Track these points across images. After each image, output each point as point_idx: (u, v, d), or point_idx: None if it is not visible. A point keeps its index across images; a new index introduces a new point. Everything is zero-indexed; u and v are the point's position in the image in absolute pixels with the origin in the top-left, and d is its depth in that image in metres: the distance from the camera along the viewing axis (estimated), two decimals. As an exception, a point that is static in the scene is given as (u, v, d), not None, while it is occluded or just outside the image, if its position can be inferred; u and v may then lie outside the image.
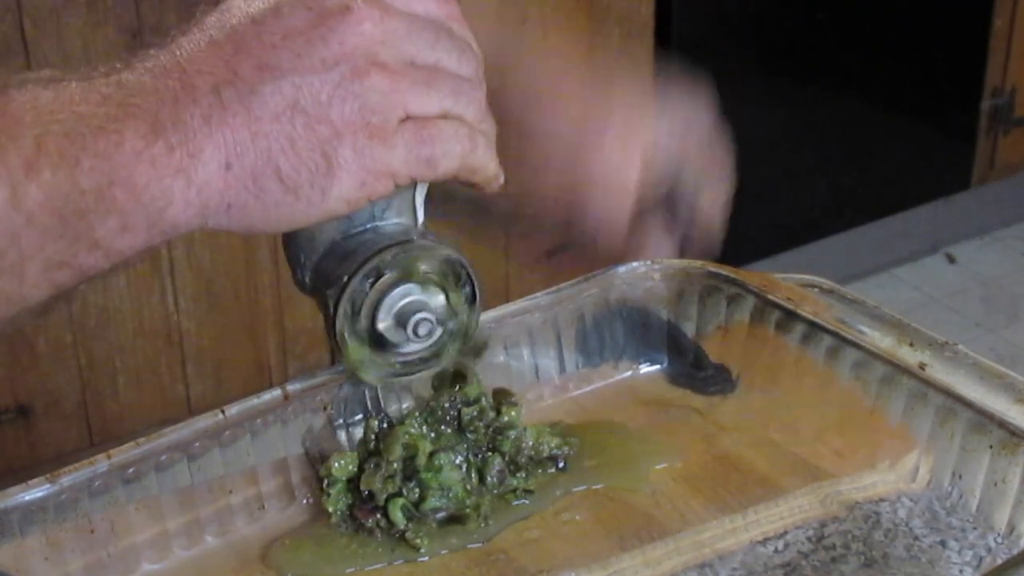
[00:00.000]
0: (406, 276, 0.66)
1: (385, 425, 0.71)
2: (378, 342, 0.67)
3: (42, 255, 0.53)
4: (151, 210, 0.54)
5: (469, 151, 0.60)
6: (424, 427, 0.71)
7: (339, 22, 0.56)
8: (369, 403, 0.73)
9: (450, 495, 0.70)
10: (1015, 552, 0.66)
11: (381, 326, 0.66)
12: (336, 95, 0.56)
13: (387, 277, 0.66)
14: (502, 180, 0.63)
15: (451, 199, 0.76)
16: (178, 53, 0.56)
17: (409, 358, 0.68)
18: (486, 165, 0.62)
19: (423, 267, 0.66)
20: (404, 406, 0.72)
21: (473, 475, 0.71)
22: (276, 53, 0.55)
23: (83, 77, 0.54)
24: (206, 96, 0.54)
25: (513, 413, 0.73)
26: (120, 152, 0.53)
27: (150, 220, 0.55)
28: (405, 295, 0.66)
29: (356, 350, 0.67)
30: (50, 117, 0.53)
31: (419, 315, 0.66)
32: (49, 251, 0.53)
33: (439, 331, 0.67)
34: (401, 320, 0.66)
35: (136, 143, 0.53)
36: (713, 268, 0.81)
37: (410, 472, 0.70)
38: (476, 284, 0.68)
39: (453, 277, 0.67)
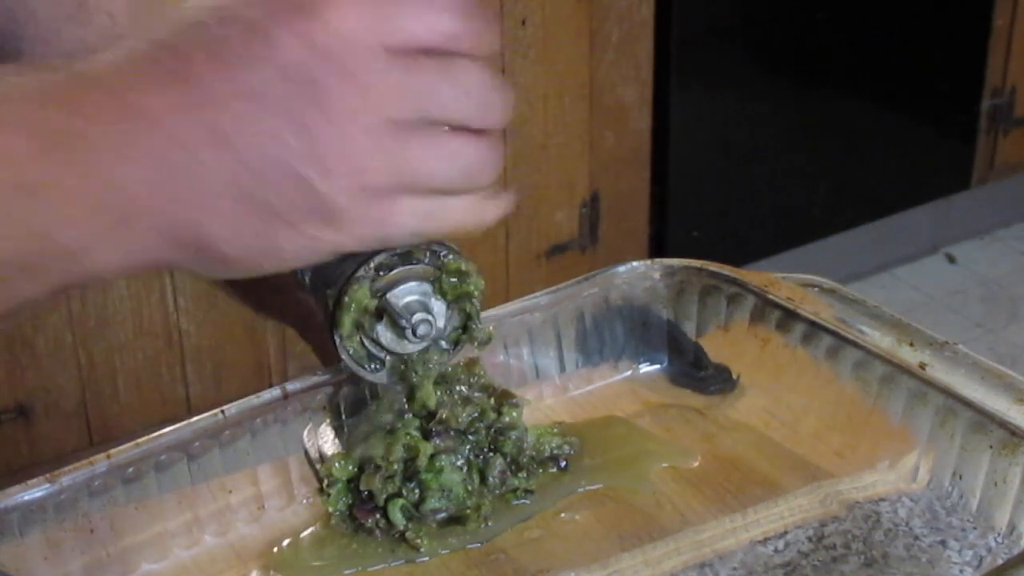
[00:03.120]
0: (406, 276, 0.66)
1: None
2: (378, 342, 0.67)
3: None
4: (67, 254, 0.50)
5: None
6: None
7: (304, 98, 0.50)
8: (370, 402, 0.73)
9: (450, 496, 0.70)
10: (1015, 552, 0.66)
11: (381, 326, 0.66)
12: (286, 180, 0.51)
13: (387, 277, 0.65)
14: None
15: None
16: (131, 90, 0.50)
17: (409, 357, 0.68)
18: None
19: (423, 267, 0.66)
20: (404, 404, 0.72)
21: (475, 476, 0.71)
22: (233, 120, 0.50)
23: (31, 98, 0.49)
24: (148, 156, 0.50)
25: (515, 414, 0.72)
26: (51, 191, 0.49)
27: (65, 264, 0.51)
28: (405, 295, 0.66)
29: (355, 347, 0.67)
30: None
31: (419, 315, 0.66)
32: None
33: (438, 331, 0.67)
34: (403, 316, 0.66)
35: (68, 183, 0.49)
36: (713, 268, 0.81)
37: (411, 473, 0.70)
38: (476, 283, 0.68)
39: (453, 276, 0.67)
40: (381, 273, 0.65)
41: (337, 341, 0.66)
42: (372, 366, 0.68)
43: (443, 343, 0.69)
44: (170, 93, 0.49)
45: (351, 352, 0.67)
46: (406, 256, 0.65)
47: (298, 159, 0.51)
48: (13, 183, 0.48)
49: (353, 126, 0.51)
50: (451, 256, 0.66)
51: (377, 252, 0.65)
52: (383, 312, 0.66)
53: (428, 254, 0.66)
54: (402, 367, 0.68)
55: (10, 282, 0.50)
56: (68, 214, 0.49)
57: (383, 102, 0.52)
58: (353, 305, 0.66)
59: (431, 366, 0.69)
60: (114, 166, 0.49)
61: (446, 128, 0.54)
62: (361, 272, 0.65)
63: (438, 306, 0.67)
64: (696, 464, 0.74)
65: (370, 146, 0.52)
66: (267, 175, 0.51)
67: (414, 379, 0.69)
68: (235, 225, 0.51)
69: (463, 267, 0.67)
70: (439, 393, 0.70)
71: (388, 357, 0.68)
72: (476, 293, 0.68)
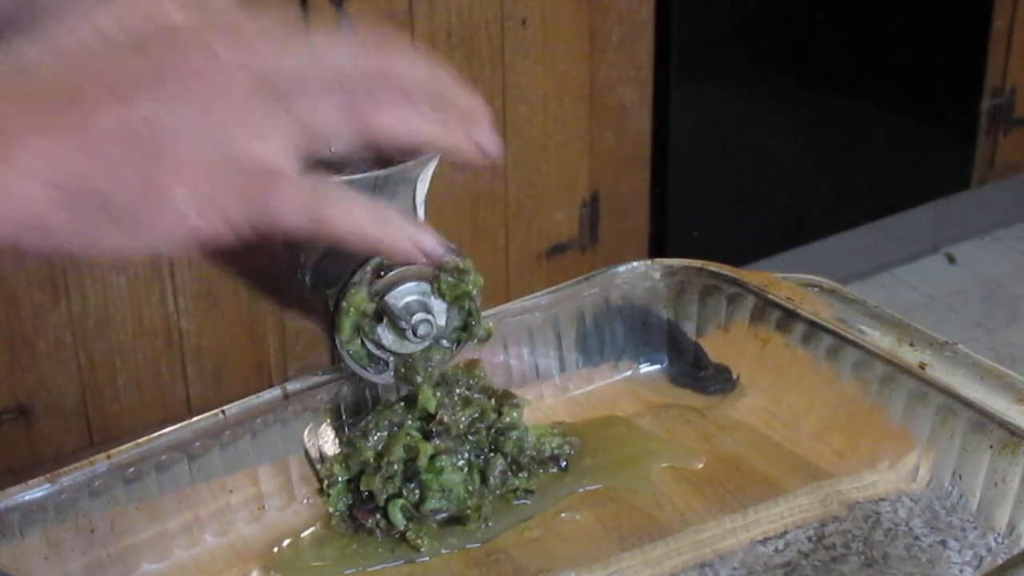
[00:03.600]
0: (404, 277, 0.66)
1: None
2: (379, 343, 0.67)
3: None
4: None
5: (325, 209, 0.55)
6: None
7: (195, 53, 0.52)
8: (370, 402, 0.73)
9: (451, 496, 0.70)
10: (1015, 552, 0.66)
11: (381, 326, 0.66)
12: (182, 129, 0.52)
13: (385, 279, 0.65)
14: None
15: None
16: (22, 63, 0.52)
17: (405, 356, 0.68)
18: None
19: (421, 267, 0.66)
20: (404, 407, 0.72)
21: (475, 476, 0.71)
22: (127, 77, 0.51)
23: None
24: (42, 104, 0.51)
25: (515, 414, 0.73)
26: None
27: None
28: (404, 296, 0.66)
29: (356, 349, 0.67)
30: None
31: (419, 315, 0.66)
32: None
33: (439, 330, 0.67)
34: (402, 317, 0.66)
35: None
36: (713, 268, 0.81)
37: (411, 473, 0.70)
38: (474, 281, 0.68)
39: (451, 275, 0.67)
40: (383, 274, 0.65)
41: (339, 345, 0.66)
42: (376, 367, 0.68)
43: (444, 342, 0.69)
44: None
45: (353, 354, 0.67)
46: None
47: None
48: None
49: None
50: (448, 255, 0.66)
51: (364, 261, 0.65)
52: (383, 314, 0.66)
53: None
54: (404, 368, 0.68)
55: None
56: None
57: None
58: (352, 310, 0.66)
59: (434, 365, 0.69)
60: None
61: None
62: (357, 276, 0.65)
63: (438, 305, 0.67)
64: (700, 466, 0.74)
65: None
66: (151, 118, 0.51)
67: (418, 380, 0.69)
68: (118, 165, 0.51)
69: (461, 265, 0.67)
70: (439, 395, 0.70)
71: (391, 358, 0.68)
72: (475, 291, 0.68)
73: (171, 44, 0.53)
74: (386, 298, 0.66)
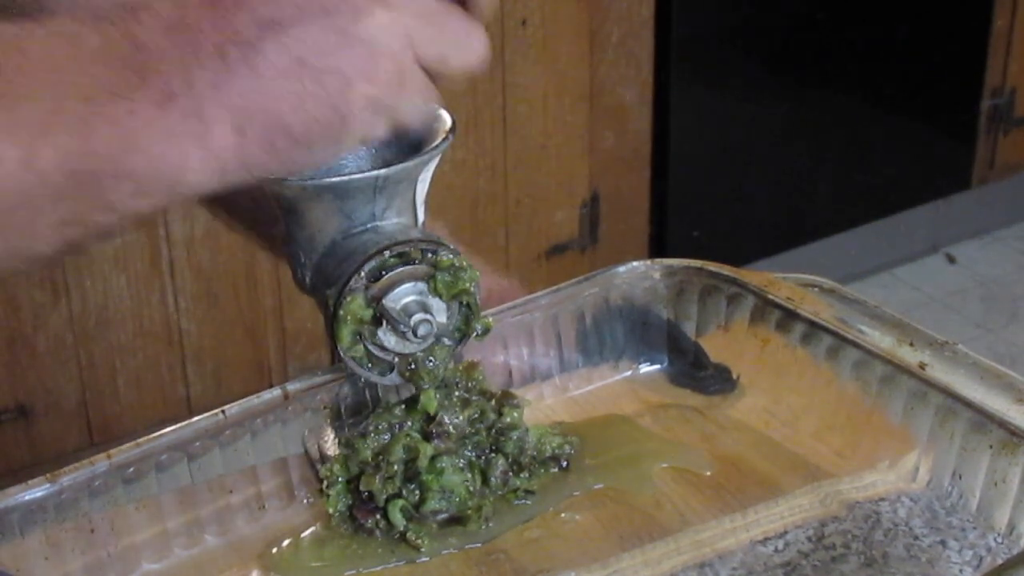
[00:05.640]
0: (400, 278, 0.66)
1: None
2: (382, 346, 0.67)
3: (55, 215, 0.53)
4: (167, 176, 0.54)
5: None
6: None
7: None
8: (370, 403, 0.73)
9: (451, 497, 0.70)
10: (1015, 552, 0.66)
11: (381, 329, 0.66)
12: (343, 43, 0.55)
13: (387, 277, 0.65)
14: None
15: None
16: (184, 7, 0.55)
17: (408, 357, 0.68)
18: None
19: (423, 267, 0.66)
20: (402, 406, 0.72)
21: (476, 476, 0.71)
22: (276, 5, 0.55)
23: (98, 30, 0.54)
24: (211, 59, 0.54)
25: (516, 414, 0.72)
26: (134, 119, 0.53)
27: (167, 185, 0.54)
28: (401, 297, 0.66)
29: (359, 355, 0.67)
30: (68, 78, 0.52)
31: (418, 316, 0.66)
32: (62, 211, 0.53)
33: (440, 328, 0.67)
34: (401, 320, 0.66)
35: (149, 111, 0.53)
36: (713, 268, 0.81)
37: (411, 474, 0.70)
38: (471, 276, 0.68)
39: (447, 274, 0.67)
40: (384, 273, 0.65)
41: (341, 353, 0.66)
42: (380, 370, 0.68)
43: (446, 340, 0.69)
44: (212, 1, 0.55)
45: (356, 359, 0.67)
46: (399, 258, 0.65)
47: (347, 22, 0.55)
48: (151, 127, 0.53)
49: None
50: (444, 253, 0.66)
51: (377, 252, 0.65)
52: (382, 318, 0.66)
53: (421, 254, 0.66)
54: (409, 370, 0.68)
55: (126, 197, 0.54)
56: (158, 125, 0.53)
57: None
58: (349, 317, 0.66)
59: (437, 363, 0.69)
60: (181, 75, 0.54)
61: None
62: (353, 282, 0.65)
63: (436, 304, 0.67)
64: (709, 473, 0.74)
65: (408, 10, 0.57)
66: (325, 44, 0.55)
67: (423, 384, 0.69)
68: (307, 103, 0.55)
69: (456, 262, 0.67)
70: (438, 397, 0.70)
71: (396, 359, 0.68)
72: (471, 287, 0.68)
73: None
74: (383, 301, 0.66)
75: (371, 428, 0.70)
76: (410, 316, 0.66)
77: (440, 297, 0.67)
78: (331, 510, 0.70)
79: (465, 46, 0.60)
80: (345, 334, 0.66)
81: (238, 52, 0.54)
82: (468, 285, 0.67)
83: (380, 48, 0.56)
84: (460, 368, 0.71)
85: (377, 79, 0.56)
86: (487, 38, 0.61)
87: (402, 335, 0.66)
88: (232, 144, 0.54)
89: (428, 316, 0.66)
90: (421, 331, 0.66)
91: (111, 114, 0.52)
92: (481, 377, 0.72)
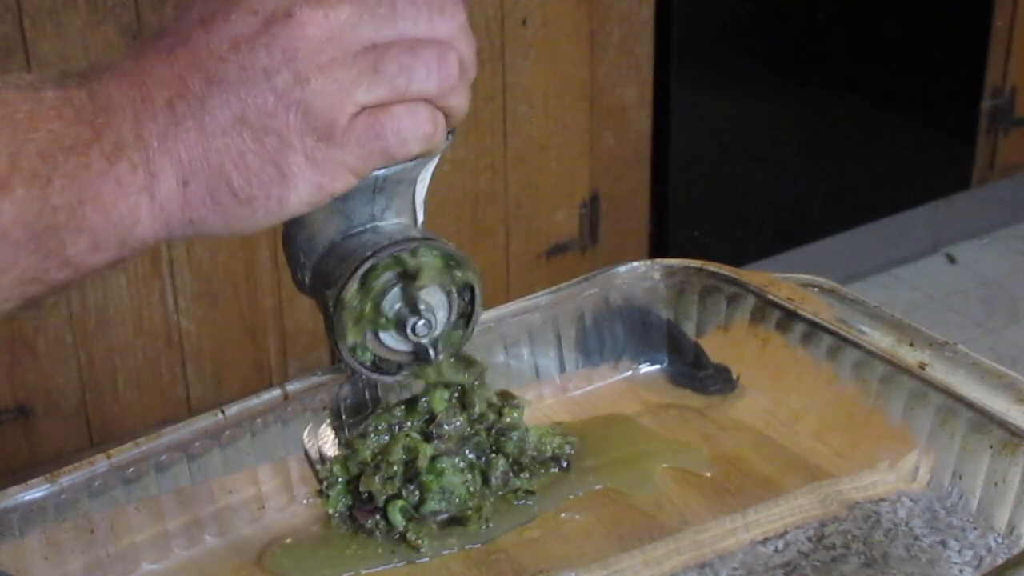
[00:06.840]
0: (406, 276, 0.66)
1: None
2: (387, 347, 0.67)
3: (15, 270, 0.54)
4: (120, 227, 0.55)
5: (431, 133, 0.59)
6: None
7: (282, 28, 0.56)
8: (369, 403, 0.73)
9: (451, 497, 0.70)
10: (1015, 552, 0.66)
11: (381, 325, 0.66)
12: (280, 104, 0.56)
13: (387, 277, 0.65)
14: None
15: None
16: (141, 60, 0.56)
17: (408, 356, 0.68)
18: (442, 138, 0.61)
19: (423, 267, 0.66)
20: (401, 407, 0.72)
21: (477, 477, 0.71)
22: (223, 65, 0.56)
23: (58, 84, 0.55)
24: (162, 111, 0.55)
25: (516, 414, 0.73)
26: (88, 172, 0.54)
27: (119, 237, 0.55)
28: (404, 295, 0.66)
29: (364, 356, 0.67)
30: (24, 136, 0.53)
31: (418, 315, 0.66)
32: (22, 266, 0.54)
33: (442, 322, 0.67)
34: (400, 320, 0.66)
35: (101, 163, 0.54)
36: (713, 268, 0.81)
37: (411, 474, 0.70)
38: (476, 282, 0.68)
39: (453, 276, 0.67)
40: (383, 274, 0.65)
41: (346, 358, 0.66)
42: (390, 369, 0.68)
43: (445, 343, 0.69)
44: (169, 60, 0.56)
45: (362, 363, 0.67)
46: (393, 260, 0.65)
47: (286, 85, 0.56)
48: (103, 179, 0.54)
49: (332, 48, 0.56)
50: (438, 250, 0.66)
51: (377, 252, 0.65)
52: (381, 321, 0.66)
53: (414, 252, 0.66)
54: (419, 368, 0.68)
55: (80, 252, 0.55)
56: (110, 176, 0.54)
57: (355, 33, 0.57)
58: (349, 324, 0.66)
59: (452, 347, 0.68)
60: (133, 128, 0.55)
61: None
62: (361, 272, 0.65)
63: (436, 300, 0.67)
64: (710, 475, 0.74)
65: (350, 63, 0.57)
66: (264, 105, 0.56)
67: (432, 377, 0.69)
68: (248, 159, 0.56)
69: (455, 254, 0.67)
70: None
71: (407, 353, 0.68)
72: (472, 275, 0.67)
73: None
74: (383, 302, 0.66)
75: (371, 428, 0.70)
76: (409, 315, 0.66)
77: (442, 290, 0.67)
78: (331, 510, 0.70)
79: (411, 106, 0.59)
80: (347, 341, 0.66)
81: (185, 107, 0.55)
82: (468, 274, 0.67)
83: (316, 111, 0.56)
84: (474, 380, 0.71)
85: (317, 140, 0.56)
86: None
87: (403, 334, 0.66)
88: (176, 196, 0.56)
89: (428, 315, 0.66)
90: (421, 331, 0.66)
91: (67, 169, 0.54)
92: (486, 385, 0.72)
